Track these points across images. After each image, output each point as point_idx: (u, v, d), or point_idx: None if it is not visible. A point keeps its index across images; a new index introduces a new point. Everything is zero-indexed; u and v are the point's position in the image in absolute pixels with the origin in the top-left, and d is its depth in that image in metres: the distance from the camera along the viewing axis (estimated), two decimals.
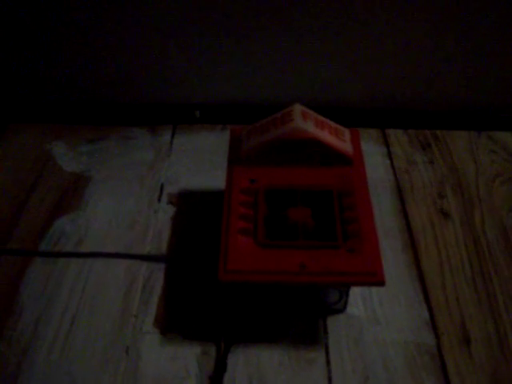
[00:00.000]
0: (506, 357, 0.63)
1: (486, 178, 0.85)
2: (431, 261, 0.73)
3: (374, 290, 0.69)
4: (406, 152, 0.89)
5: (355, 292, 0.69)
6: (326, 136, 0.68)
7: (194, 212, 0.80)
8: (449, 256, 0.74)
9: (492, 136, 0.92)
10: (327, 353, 0.64)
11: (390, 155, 0.89)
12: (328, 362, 0.63)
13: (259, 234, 0.62)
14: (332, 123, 0.71)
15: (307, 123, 0.68)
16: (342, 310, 0.67)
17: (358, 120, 0.93)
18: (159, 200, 0.82)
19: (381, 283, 0.58)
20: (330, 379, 0.61)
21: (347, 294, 0.65)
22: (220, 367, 0.62)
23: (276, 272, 0.58)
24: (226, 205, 0.65)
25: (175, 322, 0.67)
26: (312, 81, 0.92)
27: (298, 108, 0.69)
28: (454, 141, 0.91)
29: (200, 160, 0.88)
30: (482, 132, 0.93)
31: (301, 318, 0.67)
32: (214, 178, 0.84)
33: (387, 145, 0.91)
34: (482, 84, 0.91)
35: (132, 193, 0.83)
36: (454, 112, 0.94)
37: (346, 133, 0.72)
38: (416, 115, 0.94)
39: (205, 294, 0.69)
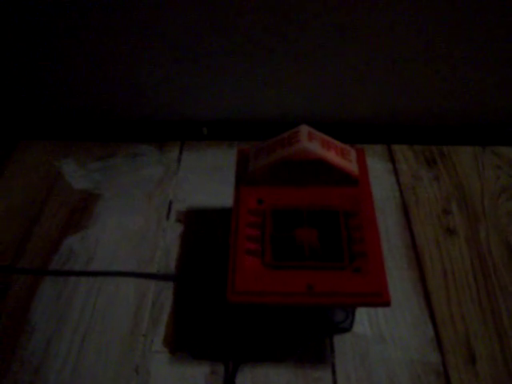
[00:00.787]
0: (510, 375, 0.64)
1: (491, 193, 0.85)
2: (436, 278, 0.74)
3: (380, 308, 0.70)
4: (412, 168, 0.90)
5: (361, 311, 0.70)
6: (332, 156, 0.69)
7: (202, 230, 0.81)
8: (454, 273, 0.74)
9: (497, 151, 0.93)
10: (334, 372, 0.64)
11: (395, 171, 0.90)
12: (335, 381, 0.63)
13: (266, 255, 0.63)
14: (338, 143, 0.72)
15: (313, 144, 0.68)
16: (348, 329, 0.68)
17: (363, 136, 0.94)
18: (167, 218, 0.83)
19: (386, 304, 0.58)
20: None
21: (353, 314, 0.66)
22: None
23: (283, 293, 0.59)
24: (233, 225, 0.66)
25: (184, 342, 0.68)
26: (317, 98, 0.92)
27: (304, 129, 0.70)
28: (459, 156, 0.92)
29: (207, 177, 0.89)
30: (486, 147, 0.93)
31: (308, 337, 0.68)
32: (221, 195, 0.84)
33: (393, 161, 0.92)
34: (487, 99, 0.91)
35: (141, 210, 0.84)
36: (459, 127, 0.95)
37: (352, 152, 0.73)
38: (421, 131, 0.95)
39: (213, 314, 0.70)
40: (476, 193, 0.85)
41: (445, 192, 0.86)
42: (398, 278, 0.74)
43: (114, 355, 0.66)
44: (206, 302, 0.72)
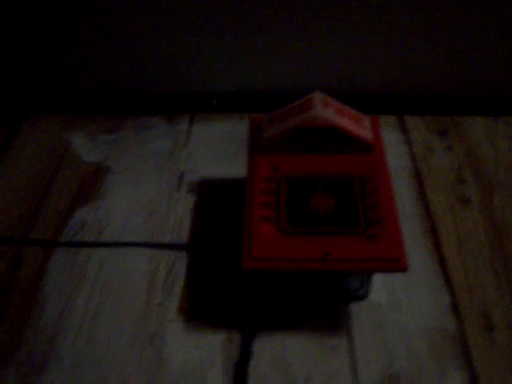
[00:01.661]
0: None
1: (504, 163, 0.84)
2: (452, 246, 0.73)
3: (396, 276, 0.69)
4: (424, 138, 0.89)
5: (377, 279, 0.69)
6: (347, 123, 0.68)
7: (215, 200, 0.80)
8: (469, 241, 0.74)
9: (509, 121, 0.92)
10: (350, 339, 0.64)
11: (408, 142, 0.89)
12: (351, 349, 0.63)
13: (282, 222, 0.62)
14: (352, 110, 0.71)
15: (327, 111, 0.68)
16: (364, 297, 0.68)
17: (375, 107, 0.93)
18: (179, 189, 0.82)
19: (404, 269, 0.58)
20: (353, 365, 0.61)
21: (369, 281, 0.66)
22: (245, 354, 0.62)
23: (300, 259, 0.59)
24: (248, 193, 0.65)
25: (199, 310, 0.67)
26: (328, 68, 0.92)
27: (318, 96, 0.69)
28: (471, 127, 0.91)
29: (218, 149, 0.88)
30: (499, 117, 0.92)
31: (324, 305, 0.67)
32: (232, 166, 0.84)
33: (405, 131, 0.91)
34: (499, 69, 0.90)
35: (151, 182, 0.83)
36: (471, 98, 0.94)
37: (366, 120, 0.72)
38: (433, 101, 0.94)
39: (228, 282, 0.70)
40: (490, 162, 0.85)
41: (458, 161, 0.85)
42: (414, 246, 0.73)
43: (128, 325, 0.66)
44: (220, 271, 0.71)
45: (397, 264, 0.58)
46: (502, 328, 0.64)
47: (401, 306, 0.67)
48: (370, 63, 0.90)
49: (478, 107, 0.94)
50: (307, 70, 0.92)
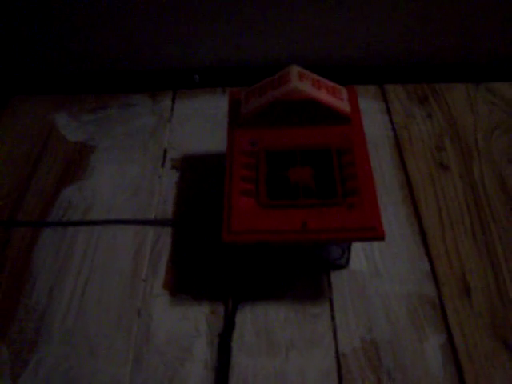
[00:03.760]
0: (504, 304, 0.65)
1: (484, 129, 0.85)
2: (431, 213, 0.75)
3: (376, 244, 0.71)
4: (405, 107, 0.90)
5: (357, 247, 0.71)
6: (324, 95, 0.69)
7: (198, 175, 0.82)
8: (448, 208, 0.75)
9: (490, 87, 0.92)
10: (331, 307, 0.66)
11: (388, 111, 0.89)
12: (332, 316, 0.65)
13: (261, 195, 0.63)
14: (329, 82, 0.72)
15: (304, 84, 0.68)
16: (344, 266, 0.69)
17: (356, 77, 0.94)
18: (163, 165, 0.83)
19: (381, 238, 0.59)
20: (334, 332, 0.63)
21: (349, 250, 0.67)
22: (228, 325, 0.64)
23: (278, 231, 0.60)
24: (227, 167, 0.66)
25: (184, 284, 0.69)
26: (309, 39, 0.92)
27: (294, 69, 0.70)
28: (452, 94, 0.92)
29: (201, 124, 0.89)
30: (480, 84, 0.93)
31: (305, 274, 0.69)
32: (216, 141, 0.85)
33: (386, 100, 0.91)
34: (480, 35, 0.91)
35: (136, 159, 0.84)
36: (452, 65, 0.94)
37: (343, 91, 0.73)
38: (414, 69, 0.94)
39: (212, 256, 0.71)
40: (469, 129, 0.86)
41: (438, 129, 0.86)
42: (393, 213, 0.75)
43: (115, 300, 0.68)
44: (203, 245, 0.72)
45: (373, 233, 0.59)
46: (478, 292, 0.66)
47: (381, 273, 0.69)
48: (349, 34, 0.90)
49: (458, 74, 0.94)
50: (288, 42, 0.92)
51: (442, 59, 0.94)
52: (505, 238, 0.71)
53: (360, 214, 0.61)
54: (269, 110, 0.69)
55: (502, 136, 0.84)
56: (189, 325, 0.65)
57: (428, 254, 0.70)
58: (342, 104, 0.70)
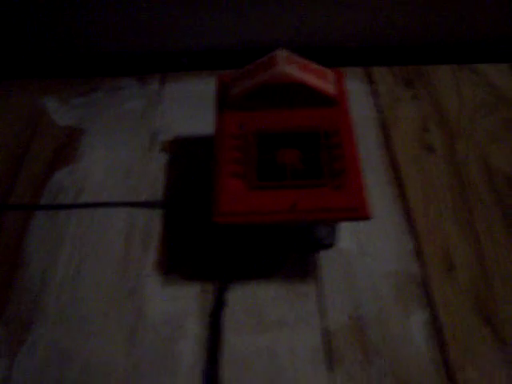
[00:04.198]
0: (487, 281, 0.67)
1: (469, 110, 0.87)
2: (416, 193, 0.76)
3: (362, 223, 0.72)
4: (391, 89, 0.91)
5: (344, 227, 0.72)
6: (310, 79, 0.70)
7: (187, 158, 0.83)
8: (433, 187, 0.77)
9: (474, 69, 0.94)
10: (319, 286, 0.67)
11: (374, 93, 0.91)
12: (320, 294, 0.67)
13: (250, 177, 0.64)
14: (316, 65, 0.73)
15: (291, 67, 0.69)
16: (331, 245, 0.71)
17: (341, 59, 0.95)
18: (152, 148, 0.84)
19: (366, 217, 0.61)
20: (322, 310, 0.65)
21: (336, 230, 0.69)
22: (218, 304, 0.66)
23: (267, 212, 0.61)
24: (216, 150, 0.68)
25: (175, 264, 0.70)
26: (297, 22, 0.92)
27: (281, 53, 0.71)
28: (436, 75, 0.93)
29: (190, 107, 0.90)
30: (464, 65, 0.94)
31: (294, 253, 0.71)
32: (204, 123, 0.85)
33: (371, 82, 0.93)
34: (463, 16, 0.92)
35: (125, 143, 0.85)
36: (436, 46, 0.95)
37: (330, 74, 0.74)
38: (399, 51, 0.95)
39: (202, 236, 0.73)
40: (454, 110, 0.87)
41: (423, 111, 0.87)
42: (379, 194, 0.76)
43: (108, 281, 0.69)
44: (193, 226, 0.74)
45: (360, 213, 0.61)
46: (462, 269, 0.68)
47: (367, 252, 0.71)
48: (336, 16, 0.91)
49: (443, 56, 0.96)
50: (276, 25, 0.93)
51: (427, 41, 0.95)
52: (487, 217, 0.73)
53: (346, 195, 0.62)
54: (256, 93, 0.70)
55: (485, 117, 0.86)
56: (180, 304, 0.66)
57: (413, 232, 0.72)
58: (328, 87, 0.71)
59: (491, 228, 0.72)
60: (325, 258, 0.70)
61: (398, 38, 0.95)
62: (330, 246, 0.71)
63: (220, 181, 0.64)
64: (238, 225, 0.64)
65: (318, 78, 0.71)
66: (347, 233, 0.72)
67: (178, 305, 0.66)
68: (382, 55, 0.96)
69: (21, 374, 0.62)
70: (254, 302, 0.66)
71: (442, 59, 0.95)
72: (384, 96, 0.90)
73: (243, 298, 0.67)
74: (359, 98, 0.90)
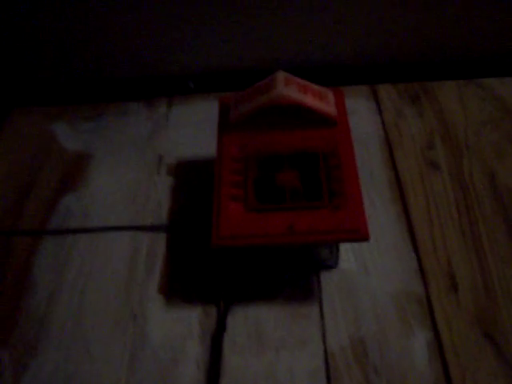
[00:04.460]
0: (491, 299, 0.66)
1: (475, 126, 0.86)
2: (420, 211, 0.76)
3: (365, 243, 0.72)
4: (396, 106, 0.91)
5: (347, 247, 0.72)
6: (310, 100, 0.70)
7: (193, 181, 0.83)
8: (437, 205, 0.76)
9: (480, 83, 0.93)
10: (321, 307, 0.67)
11: (379, 110, 0.91)
12: (322, 316, 0.66)
13: (249, 200, 0.65)
14: (316, 86, 0.73)
15: (290, 89, 0.70)
16: (334, 266, 0.71)
17: (346, 78, 0.95)
18: (158, 172, 0.85)
19: (365, 239, 0.61)
20: (323, 331, 0.65)
21: (337, 250, 0.69)
22: (220, 326, 0.66)
23: (264, 235, 0.62)
24: (216, 173, 0.68)
25: (178, 287, 0.71)
26: (300, 43, 0.93)
27: (280, 75, 0.72)
28: (442, 91, 0.92)
29: (196, 130, 0.90)
30: (470, 80, 0.94)
31: (296, 276, 0.71)
32: (211, 146, 0.84)
33: (377, 100, 0.92)
34: (469, 31, 0.92)
35: (132, 167, 0.86)
36: (442, 62, 0.95)
37: (330, 94, 0.74)
38: (405, 68, 0.96)
39: (205, 260, 0.73)
40: (460, 126, 0.86)
41: (429, 127, 0.87)
42: (382, 212, 0.76)
43: (112, 304, 0.70)
44: (197, 250, 0.74)
45: (358, 234, 0.61)
46: (465, 288, 0.67)
47: (369, 272, 0.70)
48: (338, 35, 0.92)
49: (449, 72, 0.95)
50: (280, 46, 0.94)
51: (431, 57, 0.95)
52: (492, 234, 0.72)
53: (345, 216, 0.62)
54: (256, 116, 0.71)
55: (492, 131, 0.85)
56: (182, 326, 0.67)
57: (416, 251, 0.72)
58: (328, 107, 0.72)
59: (497, 245, 0.71)
60: (326, 278, 0.70)
61: (404, 54, 0.95)
62: (332, 266, 0.71)
63: (219, 204, 0.65)
64: (235, 247, 0.64)
65: (318, 99, 0.71)
66: (350, 253, 0.72)
67: (181, 327, 0.67)
68: (386, 72, 0.96)
69: None
70: (255, 325, 0.66)
71: (448, 75, 0.95)
72: (389, 113, 0.90)
73: (245, 321, 0.67)
74: (364, 116, 0.89)
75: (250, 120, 0.71)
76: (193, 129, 0.91)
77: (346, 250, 0.72)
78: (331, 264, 0.70)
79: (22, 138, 0.94)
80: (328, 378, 0.61)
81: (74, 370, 0.64)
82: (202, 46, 0.93)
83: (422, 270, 0.70)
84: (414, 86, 0.94)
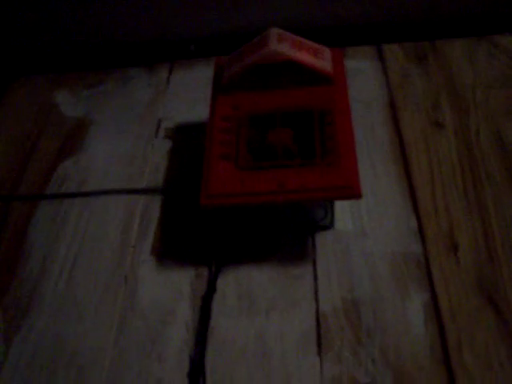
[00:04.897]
0: (492, 260, 0.63)
1: (483, 83, 0.83)
2: (422, 172, 0.73)
3: (363, 203, 0.70)
4: (402, 65, 0.88)
5: (344, 208, 0.70)
6: (304, 56, 0.68)
7: (191, 145, 0.82)
8: (440, 166, 0.73)
9: (493, 40, 0.89)
10: (315, 268, 0.66)
11: (385, 70, 0.87)
12: (315, 277, 0.65)
13: (240, 158, 0.63)
14: (311, 43, 0.71)
15: (283, 45, 0.68)
16: (329, 226, 0.69)
17: (352, 38, 0.92)
18: (156, 136, 0.84)
19: (357, 196, 0.59)
20: (316, 292, 0.63)
21: (332, 210, 0.67)
22: (210, 288, 0.65)
23: (254, 193, 0.60)
24: (208, 133, 0.67)
25: (170, 250, 0.70)
26: (306, 3, 0.91)
27: (273, 31, 0.69)
28: (452, 49, 0.89)
29: (196, 94, 0.89)
30: (482, 37, 0.90)
31: (290, 236, 0.69)
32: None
33: (382, 60, 0.89)
34: None
35: (131, 131, 0.85)
36: (453, 19, 0.91)
37: (327, 52, 0.72)
38: (412, 27, 0.92)
39: (198, 222, 0.72)
40: (468, 85, 0.83)
41: (435, 87, 0.83)
42: (383, 172, 0.74)
43: (104, 267, 0.69)
44: (191, 212, 0.73)
45: (350, 191, 0.59)
46: (465, 249, 0.65)
47: (366, 233, 0.68)
48: None
49: (460, 28, 0.91)
50: (283, 7, 0.91)
51: (441, 13, 0.91)
52: (497, 195, 0.69)
53: (337, 173, 0.60)
54: (249, 75, 0.69)
55: (501, 90, 0.81)
56: (173, 288, 0.66)
57: (416, 211, 0.69)
58: (323, 64, 0.69)
59: (501, 207, 0.68)
60: (322, 239, 0.68)
61: (411, 11, 0.91)
62: (328, 227, 0.69)
63: (209, 163, 0.63)
64: (224, 206, 0.63)
65: (313, 56, 0.69)
66: (347, 213, 0.70)
67: (172, 289, 0.66)
68: (393, 31, 0.92)
69: (15, 359, 0.63)
70: (247, 287, 0.65)
71: (459, 33, 0.91)
72: (395, 73, 0.87)
73: (236, 282, 0.65)
74: (369, 76, 0.87)
75: (242, 79, 0.69)
76: (193, 93, 0.89)
77: (343, 210, 0.70)
78: (327, 224, 0.68)
79: (24, 106, 0.93)
80: (319, 340, 0.59)
81: (64, 331, 0.64)
82: (204, 10, 0.91)
83: (421, 232, 0.67)
84: (423, 44, 0.91)
